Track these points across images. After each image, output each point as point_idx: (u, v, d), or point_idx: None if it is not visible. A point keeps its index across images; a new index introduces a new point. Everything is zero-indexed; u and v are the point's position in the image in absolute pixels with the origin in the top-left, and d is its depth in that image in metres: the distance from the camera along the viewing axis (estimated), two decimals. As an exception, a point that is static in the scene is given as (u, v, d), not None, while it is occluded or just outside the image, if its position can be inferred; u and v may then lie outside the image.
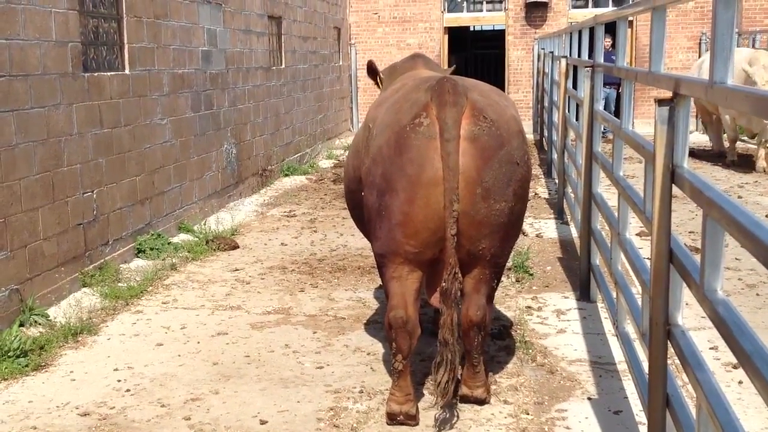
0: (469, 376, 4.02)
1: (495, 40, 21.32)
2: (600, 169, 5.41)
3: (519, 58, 17.00)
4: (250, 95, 10.43)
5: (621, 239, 4.13)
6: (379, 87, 5.87)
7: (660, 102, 2.83)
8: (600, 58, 5.37)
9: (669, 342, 2.91)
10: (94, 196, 6.46)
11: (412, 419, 3.88)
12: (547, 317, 5.49)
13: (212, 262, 7.21)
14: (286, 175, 11.95)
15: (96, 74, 6.49)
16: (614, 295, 4.87)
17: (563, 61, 7.98)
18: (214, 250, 7.52)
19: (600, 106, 5.35)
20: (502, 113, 3.75)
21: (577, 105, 7.14)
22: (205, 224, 8.15)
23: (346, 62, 16.99)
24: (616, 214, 4.57)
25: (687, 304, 3.75)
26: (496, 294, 4.45)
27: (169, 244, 7.47)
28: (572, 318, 5.46)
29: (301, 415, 4.11)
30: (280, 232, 8.43)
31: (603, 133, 10.92)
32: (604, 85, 12.59)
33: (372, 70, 5.70)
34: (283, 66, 12.15)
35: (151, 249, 7.23)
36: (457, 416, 3.98)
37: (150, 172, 7.48)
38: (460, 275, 3.60)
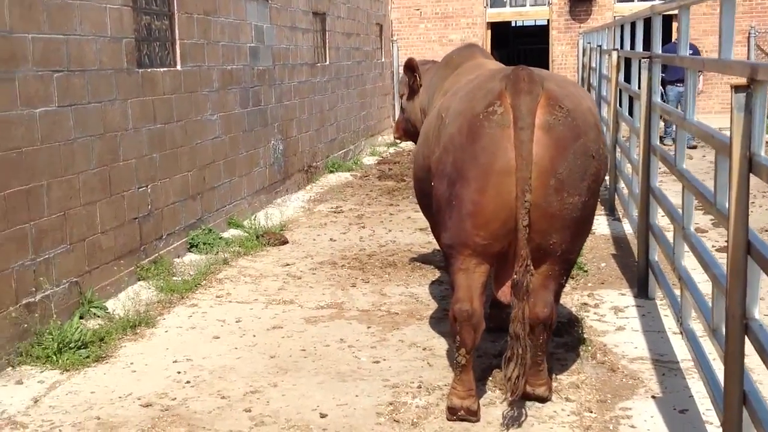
0: (531, 374, 3.97)
1: (537, 35, 21.18)
2: (659, 162, 5.33)
3: (563, 53, 16.84)
4: (295, 91, 10.47)
5: (686, 234, 4.05)
6: (411, 87, 5.77)
7: (736, 88, 2.77)
8: (658, 50, 5.27)
9: (746, 336, 2.84)
10: (149, 190, 6.52)
11: (473, 415, 3.85)
12: (605, 314, 5.42)
13: (263, 257, 7.24)
14: (331, 172, 11.97)
15: (149, 70, 6.55)
16: (677, 291, 4.80)
17: (614, 54, 7.86)
18: (264, 245, 7.56)
19: (672, 105, 5.27)
20: (579, 104, 3.69)
21: (631, 99, 7.04)
22: (254, 219, 8.19)
23: (388, 59, 16.97)
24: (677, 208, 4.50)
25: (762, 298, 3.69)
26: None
27: (220, 239, 7.52)
28: (631, 315, 5.38)
29: (361, 409, 4.10)
30: (328, 227, 8.44)
31: (662, 137, 10.67)
32: (674, 82, 12.32)
33: (410, 68, 5.64)
34: (328, 62, 12.17)
35: (203, 244, 7.28)
36: (520, 413, 3.93)
37: (201, 168, 7.54)
38: (532, 268, 3.55)
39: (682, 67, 11.71)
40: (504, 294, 3.87)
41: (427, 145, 4.19)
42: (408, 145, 15.53)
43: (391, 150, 14.80)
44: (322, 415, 4.03)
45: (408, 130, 5.99)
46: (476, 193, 3.59)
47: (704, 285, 4.23)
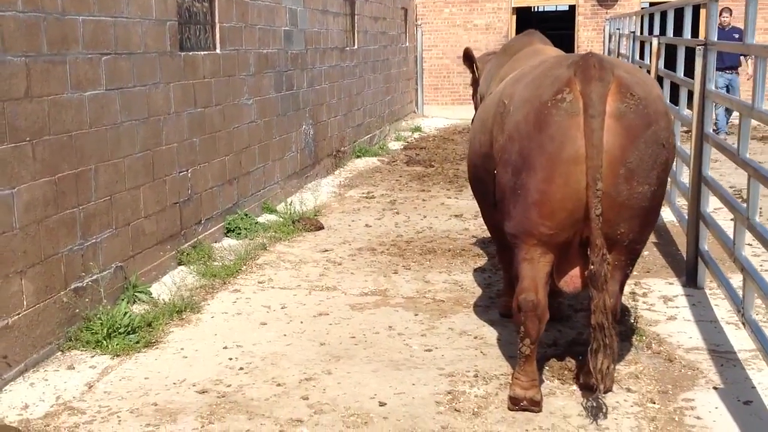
0: (593, 364, 3.93)
1: (559, 20, 20.98)
2: (711, 151, 5.25)
3: (589, 38, 16.69)
4: (326, 76, 10.40)
5: (752, 224, 3.98)
6: (474, 74, 5.79)
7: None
8: (713, 37, 5.18)
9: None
10: (189, 175, 6.49)
11: (536, 405, 3.81)
12: (654, 303, 5.36)
13: (300, 242, 7.20)
14: (358, 156, 11.92)
15: (191, 53, 6.51)
16: (734, 281, 4.74)
17: (655, 41, 7.75)
18: (301, 230, 7.52)
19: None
20: (650, 91, 3.62)
21: (673, 86, 6.93)
22: (290, 204, 8.15)
23: (412, 43, 16.86)
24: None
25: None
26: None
27: (256, 223, 7.49)
28: (681, 305, 5.32)
29: (419, 398, 4.07)
30: (362, 213, 8.40)
31: (716, 128, 10.41)
32: (722, 69, 12.09)
33: (468, 57, 5.63)
34: (356, 47, 12.09)
35: (240, 228, 7.26)
36: (582, 404, 3.89)
37: (237, 152, 7.50)
38: (608, 256, 3.49)
39: (731, 55, 11.53)
40: (566, 284, 3.82)
41: (484, 131, 4.12)
42: (432, 130, 15.50)
43: (416, 135, 14.73)
44: (381, 404, 4.00)
45: None
46: (543, 182, 3.53)
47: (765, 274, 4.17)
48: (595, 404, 3.84)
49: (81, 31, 4.89)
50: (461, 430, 3.73)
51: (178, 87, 6.24)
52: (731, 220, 6.41)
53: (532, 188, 3.57)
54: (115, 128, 5.33)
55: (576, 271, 3.76)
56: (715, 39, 5.23)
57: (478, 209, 8.22)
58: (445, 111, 17.41)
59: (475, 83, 5.67)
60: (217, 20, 7.00)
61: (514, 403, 3.83)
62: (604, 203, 3.44)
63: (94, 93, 5.06)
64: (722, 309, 5.18)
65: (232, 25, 7.27)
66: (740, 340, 4.65)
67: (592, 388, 3.97)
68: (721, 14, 12.07)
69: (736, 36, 11.67)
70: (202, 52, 6.74)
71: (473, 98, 5.77)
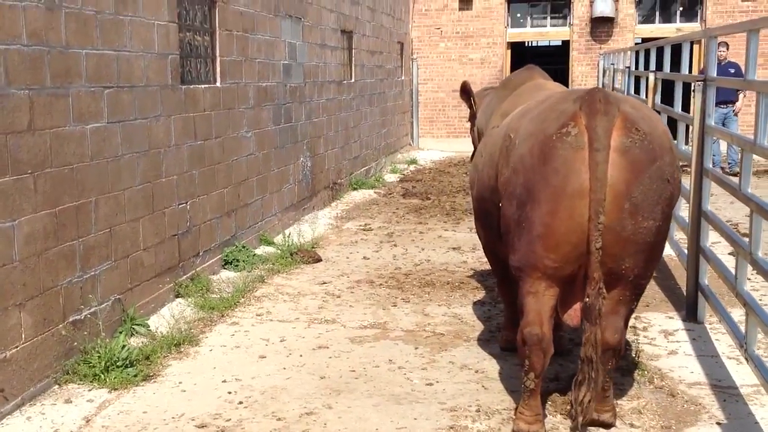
0: (598, 399, 3.91)
1: (553, 55, 21.18)
2: (711, 186, 5.28)
3: (583, 73, 16.83)
4: (323, 109, 10.46)
5: (755, 259, 3.99)
6: (471, 108, 5.83)
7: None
8: (713, 73, 5.24)
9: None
10: (188, 207, 6.49)
11: (539, 440, 3.78)
12: (655, 338, 5.35)
13: (298, 274, 7.19)
14: (355, 189, 11.94)
15: (192, 86, 6.54)
16: (734, 315, 4.74)
17: (651, 77, 7.83)
18: (298, 262, 7.51)
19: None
20: (655, 127, 3.65)
21: (670, 121, 6.98)
22: (289, 236, 8.14)
23: (408, 77, 16.99)
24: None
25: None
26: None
27: (254, 255, 7.48)
28: (681, 339, 5.31)
29: (421, 433, 4.04)
30: (360, 245, 8.39)
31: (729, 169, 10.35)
32: (717, 104, 12.17)
33: (466, 91, 5.68)
34: (353, 80, 12.18)
35: (238, 261, 7.24)
36: (585, 438, 3.87)
37: (236, 185, 7.51)
38: (604, 291, 3.49)
39: (725, 90, 11.56)
40: (570, 317, 3.81)
41: (492, 165, 4.14)
42: (427, 163, 15.55)
43: (412, 167, 14.78)
44: (383, 439, 3.97)
45: None
46: (547, 215, 3.53)
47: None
48: (599, 440, 3.82)
49: (84, 64, 4.92)
50: (464, 465, 3.70)
51: (178, 120, 6.26)
52: (729, 254, 6.45)
53: (537, 221, 3.57)
54: (116, 161, 5.34)
55: (581, 306, 3.76)
56: (715, 75, 5.28)
57: (476, 242, 8.32)
58: (440, 144, 17.49)
59: (472, 117, 5.70)
60: (217, 54, 7.05)
61: (518, 438, 3.81)
62: (609, 238, 3.45)
63: (95, 126, 5.07)
64: (723, 344, 5.17)
65: (232, 58, 7.32)
66: (742, 375, 4.64)
67: (596, 423, 3.97)
68: (717, 49, 12.15)
69: (732, 71, 11.78)
70: (203, 85, 6.78)
71: (471, 132, 5.80)
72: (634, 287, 3.72)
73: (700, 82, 5.21)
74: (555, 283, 3.67)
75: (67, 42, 4.75)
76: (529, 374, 3.75)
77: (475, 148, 5.62)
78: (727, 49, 12.44)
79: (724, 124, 12.11)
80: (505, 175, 3.82)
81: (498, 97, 5.17)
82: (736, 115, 12.42)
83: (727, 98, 12.13)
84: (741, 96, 12.20)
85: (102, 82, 5.13)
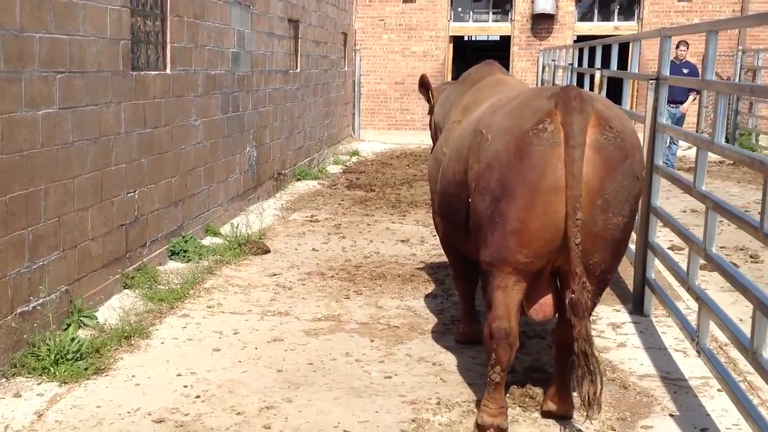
0: (557, 392, 3.99)
1: (492, 50, 21.40)
2: (660, 182, 5.42)
3: (524, 68, 17.06)
4: (270, 98, 10.36)
5: (709, 255, 4.11)
6: (429, 102, 5.86)
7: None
8: (665, 71, 5.37)
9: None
10: (136, 196, 6.36)
11: (503, 432, 3.83)
12: (604, 330, 5.48)
13: (247, 266, 7.12)
14: (299, 180, 11.88)
15: (142, 73, 6.40)
16: (684, 309, 4.87)
17: (598, 74, 7.98)
18: (247, 254, 7.44)
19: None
20: (626, 125, 3.72)
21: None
22: (237, 227, 8.04)
23: (351, 68, 16.95)
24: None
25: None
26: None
27: (201, 246, 7.37)
28: (629, 332, 5.45)
29: (384, 426, 4.05)
30: (308, 237, 8.35)
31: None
32: (670, 102, 12.31)
33: (424, 85, 5.72)
34: (299, 70, 12.09)
35: (184, 251, 7.13)
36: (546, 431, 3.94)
37: (184, 174, 7.38)
38: (588, 284, 3.55)
39: (679, 90, 11.71)
40: (536, 312, 3.87)
41: (459, 160, 4.15)
42: (370, 154, 15.54)
43: (354, 159, 14.77)
44: (346, 432, 3.97)
45: None
46: (523, 210, 3.57)
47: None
48: (560, 432, 3.90)
49: (38, 48, 4.76)
50: (428, 458, 3.73)
51: (129, 107, 6.12)
52: (669, 249, 6.63)
53: (512, 216, 3.60)
54: (66, 148, 5.19)
55: (546, 300, 3.82)
56: (668, 74, 5.42)
57: (424, 235, 8.38)
58: (381, 136, 17.51)
59: (432, 111, 5.73)
60: (168, 40, 6.91)
61: (481, 431, 3.85)
62: (581, 233, 3.50)
63: (47, 111, 4.92)
64: (669, 336, 5.33)
65: (182, 45, 7.19)
66: (689, 368, 4.79)
67: (554, 416, 4.04)
68: (678, 47, 12.30)
69: (686, 71, 12.02)
70: (153, 72, 6.63)
71: (430, 127, 5.83)
72: (599, 282, 3.79)
73: (653, 81, 5.34)
74: (524, 279, 3.72)
75: (21, 26, 4.59)
76: (496, 368, 3.79)
77: (434, 141, 5.65)
78: (687, 48, 12.60)
79: (675, 124, 12.37)
80: (476, 171, 3.83)
81: (457, 92, 5.19)
82: (683, 116, 12.59)
83: (681, 98, 12.32)
84: (691, 97, 12.40)
85: (55, 66, 4.97)
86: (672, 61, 9.25)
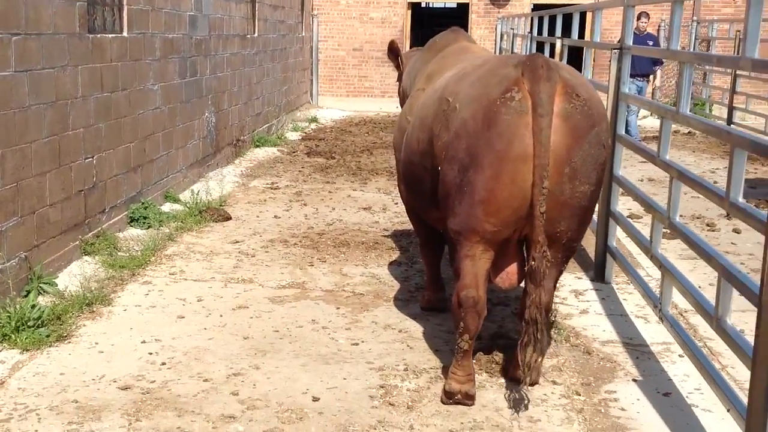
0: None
1: (450, 17, 21.35)
2: (623, 151, 5.48)
3: (482, 36, 17.05)
4: (228, 63, 10.19)
5: (672, 224, 4.18)
6: (398, 68, 5.83)
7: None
8: (629, 41, 5.40)
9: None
10: (95, 162, 6.23)
11: (470, 399, 3.87)
12: (566, 297, 5.56)
13: (208, 233, 7.04)
14: (257, 146, 11.75)
15: (99, 36, 6.24)
16: (645, 276, 4.94)
17: (558, 43, 8.00)
18: (208, 220, 7.35)
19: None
20: (592, 93, 3.72)
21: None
22: (197, 194, 7.94)
23: (308, 33, 16.75)
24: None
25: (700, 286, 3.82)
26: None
27: (161, 213, 7.27)
28: (591, 299, 5.54)
29: (352, 392, 4.06)
30: (269, 204, 8.29)
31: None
32: (632, 77, 12.26)
33: (393, 51, 5.68)
34: (257, 34, 11.91)
35: (145, 218, 7.02)
36: (512, 397, 3.99)
37: (142, 139, 7.25)
38: (548, 254, 3.57)
39: (643, 62, 11.60)
40: (502, 280, 3.90)
41: (423, 129, 4.13)
42: (328, 121, 15.44)
43: (313, 126, 14.66)
44: (315, 399, 3.97)
45: None
46: (491, 179, 3.56)
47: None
48: (524, 397, 3.95)
49: (-8, 7, 4.61)
50: (398, 424, 3.75)
51: (85, 70, 5.97)
52: (628, 217, 6.73)
53: (479, 185, 3.60)
54: (23, 111, 5.05)
55: (512, 268, 3.85)
56: (631, 44, 5.45)
57: (386, 202, 8.38)
58: (340, 103, 17.40)
59: (400, 78, 5.69)
60: (125, 2, 6.74)
61: (449, 397, 3.88)
62: (548, 202, 3.52)
63: (3, 75, 4.77)
64: (630, 303, 5.43)
65: (139, 7, 7.01)
66: (651, 334, 4.88)
67: (519, 381, 4.09)
68: (639, 19, 12.28)
69: (650, 42, 12.05)
70: (110, 35, 6.47)
71: (399, 94, 5.80)
72: (566, 250, 3.83)
73: (616, 50, 5.37)
74: (492, 247, 3.73)
75: (-27, -18, 4.43)
76: (464, 336, 3.81)
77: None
78: (648, 20, 12.60)
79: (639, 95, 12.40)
80: (444, 140, 3.81)
81: (422, 59, 5.16)
82: (654, 90, 12.52)
83: (645, 71, 12.34)
84: (659, 71, 12.37)
85: (10, 28, 4.82)
86: (634, 32, 9.26)
